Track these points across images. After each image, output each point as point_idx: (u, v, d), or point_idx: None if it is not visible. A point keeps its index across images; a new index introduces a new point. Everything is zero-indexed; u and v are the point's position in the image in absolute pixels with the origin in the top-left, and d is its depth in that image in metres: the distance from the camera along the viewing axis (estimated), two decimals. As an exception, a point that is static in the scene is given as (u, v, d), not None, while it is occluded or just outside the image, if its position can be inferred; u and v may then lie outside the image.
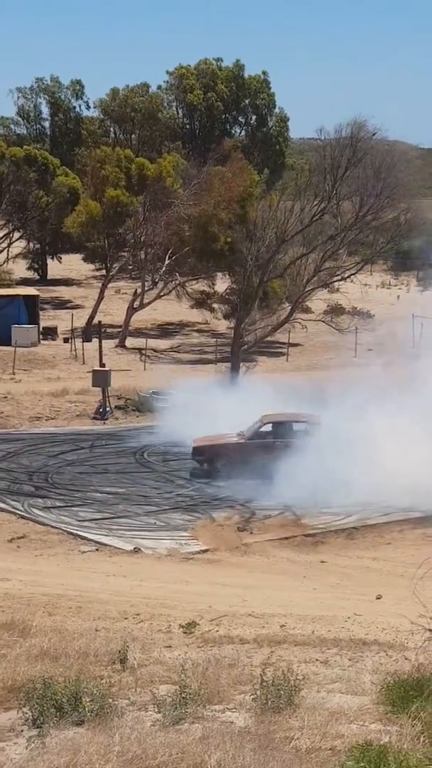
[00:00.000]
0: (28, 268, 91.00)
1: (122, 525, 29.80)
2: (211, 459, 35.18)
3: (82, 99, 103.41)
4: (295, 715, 12.23)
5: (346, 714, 12.44)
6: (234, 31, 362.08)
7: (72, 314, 70.11)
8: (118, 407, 45.57)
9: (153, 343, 65.36)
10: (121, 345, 64.04)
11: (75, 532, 29.01)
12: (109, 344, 58.91)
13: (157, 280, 68.14)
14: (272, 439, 34.59)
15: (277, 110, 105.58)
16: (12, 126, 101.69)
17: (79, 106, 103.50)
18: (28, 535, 28.76)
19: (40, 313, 67.62)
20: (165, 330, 73.36)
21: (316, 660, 15.93)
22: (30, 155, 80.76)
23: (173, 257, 65.70)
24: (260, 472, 32.87)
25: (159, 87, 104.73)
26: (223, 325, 68.19)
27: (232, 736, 11.35)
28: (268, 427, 35.13)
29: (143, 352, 61.42)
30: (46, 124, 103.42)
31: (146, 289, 67.45)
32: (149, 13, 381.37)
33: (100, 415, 44.34)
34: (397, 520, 30.08)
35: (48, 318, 71.14)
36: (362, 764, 10.13)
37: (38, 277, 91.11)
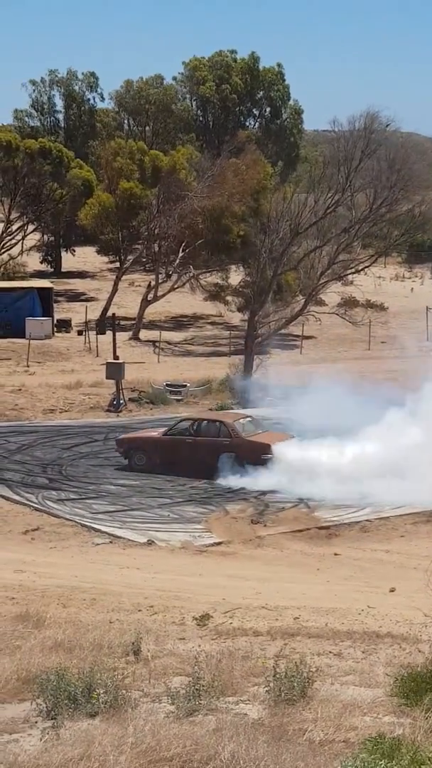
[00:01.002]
0: (42, 261, 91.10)
1: (136, 517, 29.81)
2: (128, 452, 35.44)
3: (96, 91, 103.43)
4: (308, 707, 12.25)
5: (360, 706, 12.46)
6: (248, 23, 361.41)
7: (86, 307, 70.19)
8: (131, 400, 45.61)
9: (167, 335, 65.38)
10: (135, 337, 64.09)
11: (89, 524, 29.03)
12: (122, 337, 58.95)
13: (170, 272, 68.16)
14: (188, 437, 34.64)
15: (291, 102, 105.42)
16: (26, 118, 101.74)
17: (93, 99, 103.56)
18: (42, 527, 28.80)
19: (54, 305, 67.73)
20: (179, 322, 73.39)
21: (330, 652, 15.94)
22: (44, 148, 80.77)
23: (187, 250, 65.69)
24: (172, 468, 33.75)
25: (174, 79, 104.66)
26: (236, 318, 68.18)
27: (246, 728, 11.37)
28: (185, 425, 35.32)
29: (157, 344, 61.44)
30: (61, 116, 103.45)
31: (160, 281, 67.47)
32: (165, 4, 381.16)
33: (114, 407, 44.38)
34: (411, 513, 30.04)
35: (62, 310, 71.24)
36: (375, 756, 10.14)
37: (52, 269, 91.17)
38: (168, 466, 34.10)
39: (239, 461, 32.80)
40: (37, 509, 30.52)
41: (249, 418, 36.07)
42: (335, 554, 26.84)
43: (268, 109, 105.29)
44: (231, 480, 32.74)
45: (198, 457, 33.39)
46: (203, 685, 12.62)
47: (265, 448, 32.97)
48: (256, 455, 32.82)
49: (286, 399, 40.13)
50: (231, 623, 18.71)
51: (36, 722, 12.11)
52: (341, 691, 13.32)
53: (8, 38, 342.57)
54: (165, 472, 34.04)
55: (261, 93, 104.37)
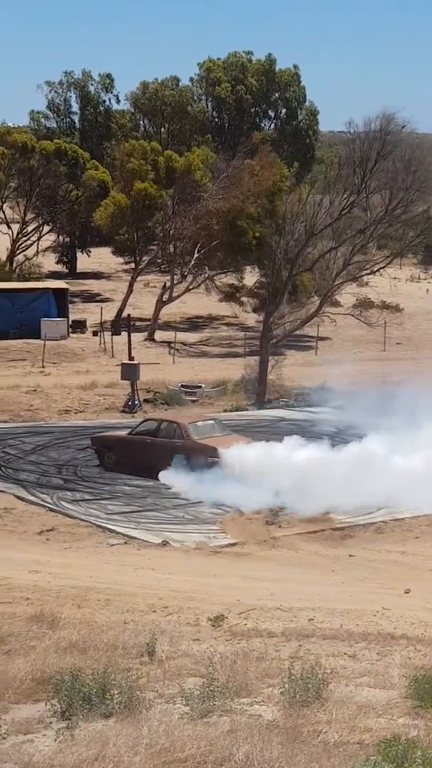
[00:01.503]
0: (58, 262, 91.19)
1: (150, 518, 29.83)
2: (99, 450, 35.95)
3: (111, 92, 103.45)
4: (323, 708, 12.25)
5: (375, 708, 12.46)
6: (265, 24, 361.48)
7: (101, 307, 70.25)
8: (146, 400, 45.62)
9: (182, 336, 65.41)
10: (150, 338, 64.12)
11: (103, 525, 29.06)
12: (138, 337, 58.98)
13: (186, 273, 68.17)
14: (147, 437, 34.72)
15: (307, 104, 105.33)
16: (42, 120, 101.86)
17: (109, 100, 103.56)
18: (57, 527, 28.84)
19: (70, 306, 67.77)
20: (194, 323, 73.41)
21: (345, 654, 15.94)
22: (60, 149, 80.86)
23: (202, 251, 65.69)
24: (135, 468, 34.01)
25: (191, 80, 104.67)
26: (251, 319, 68.17)
27: (260, 730, 11.38)
28: (146, 426, 35.48)
29: (172, 345, 61.48)
30: (76, 117, 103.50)
31: (175, 282, 67.49)
32: (181, 6, 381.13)
33: (129, 408, 44.41)
34: (426, 514, 29.98)
35: (77, 311, 71.29)
36: (390, 758, 10.13)
37: (67, 270, 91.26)
38: (131, 466, 34.32)
39: (189, 463, 32.88)
40: (52, 510, 30.56)
41: (212, 421, 36.02)
42: (350, 555, 26.82)
43: (283, 111, 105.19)
44: (173, 481, 32.90)
45: (155, 458, 33.48)
46: (218, 686, 12.63)
47: (212, 452, 32.86)
48: (204, 458, 32.76)
49: (354, 402, 39.92)
50: (245, 624, 18.71)
51: (50, 723, 12.13)
52: (356, 692, 13.31)
53: (24, 40, 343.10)
54: (129, 472, 34.29)
55: (277, 94, 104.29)
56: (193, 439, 33.69)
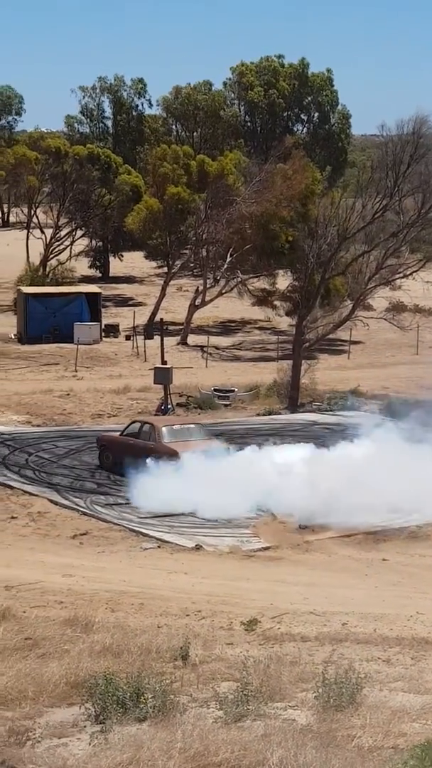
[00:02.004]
0: (91, 266, 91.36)
1: (184, 522, 29.83)
2: (101, 450, 36.54)
3: (144, 97, 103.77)
4: (357, 713, 12.23)
5: (409, 713, 12.43)
6: (297, 28, 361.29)
7: (134, 311, 70.36)
8: (179, 404, 45.65)
9: (215, 340, 65.43)
10: (183, 342, 64.15)
11: (137, 529, 29.09)
12: (170, 341, 59.03)
13: (218, 277, 68.18)
14: (131, 438, 35.19)
15: (339, 107, 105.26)
16: (75, 125, 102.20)
17: (142, 105, 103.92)
18: (90, 531, 28.89)
19: (102, 310, 67.89)
20: (227, 327, 73.41)
21: (378, 658, 15.90)
22: (93, 154, 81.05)
23: (235, 255, 65.69)
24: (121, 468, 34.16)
25: (224, 84, 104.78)
26: (284, 323, 68.08)
27: (294, 734, 11.36)
28: (132, 427, 35.98)
29: (205, 349, 61.50)
30: (109, 122, 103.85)
31: (208, 286, 67.51)
32: (214, 10, 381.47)
33: (162, 412, 44.40)
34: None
35: (110, 315, 71.41)
36: (425, 763, 10.11)
37: (100, 274, 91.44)
38: (121, 465, 34.44)
39: (158, 465, 32.99)
40: (85, 514, 30.62)
41: (192, 426, 36.33)
42: (383, 560, 26.75)
43: (316, 114, 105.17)
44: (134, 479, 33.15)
45: (134, 458, 33.59)
46: (251, 691, 12.62)
47: (173, 455, 33.03)
48: (167, 461, 32.86)
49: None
50: (279, 628, 18.70)
51: (85, 726, 12.15)
52: (390, 697, 13.28)
53: (59, 45, 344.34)
54: (118, 472, 34.58)
55: (309, 98, 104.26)
56: (163, 442, 34.10)
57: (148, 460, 33.00)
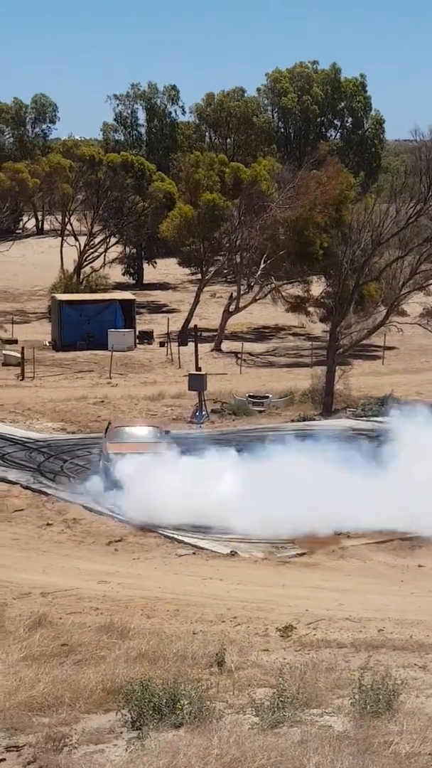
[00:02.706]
0: (124, 273, 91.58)
1: (219, 528, 29.80)
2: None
3: (177, 104, 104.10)
4: (394, 719, 12.19)
5: (446, 719, 12.37)
6: (330, 33, 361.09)
7: (168, 318, 70.42)
8: (214, 411, 45.66)
9: (249, 346, 65.40)
10: (217, 349, 64.16)
11: (172, 535, 29.10)
12: (204, 348, 59.05)
13: (252, 283, 68.17)
14: (102, 440, 36.03)
15: (372, 113, 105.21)
16: (109, 132, 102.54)
17: (175, 112, 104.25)
18: (125, 538, 28.94)
19: (137, 317, 68.02)
20: (261, 333, 73.37)
21: (415, 665, 15.85)
22: (127, 161, 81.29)
23: (268, 261, 65.69)
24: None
25: (257, 90, 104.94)
26: (318, 329, 67.98)
27: (331, 741, 11.34)
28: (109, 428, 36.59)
29: (239, 355, 61.49)
30: (143, 129, 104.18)
31: (242, 292, 67.52)
32: (246, 17, 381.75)
33: (197, 419, 44.45)
34: None
35: (144, 322, 71.53)
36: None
37: (134, 281, 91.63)
38: None
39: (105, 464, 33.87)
40: (120, 521, 30.65)
41: (148, 428, 36.59)
42: (419, 566, 26.67)
43: (349, 120, 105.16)
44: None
45: (99, 457, 34.80)
46: (288, 697, 12.60)
47: (107, 456, 33.66)
48: (105, 461, 33.79)
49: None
50: (315, 635, 18.67)
51: (121, 732, 12.16)
52: (427, 703, 13.24)
53: (93, 53, 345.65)
54: None
55: (342, 104, 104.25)
56: (106, 442, 34.73)
57: (101, 459, 34.31)
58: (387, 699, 12.58)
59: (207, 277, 71.55)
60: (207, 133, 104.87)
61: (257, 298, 67.58)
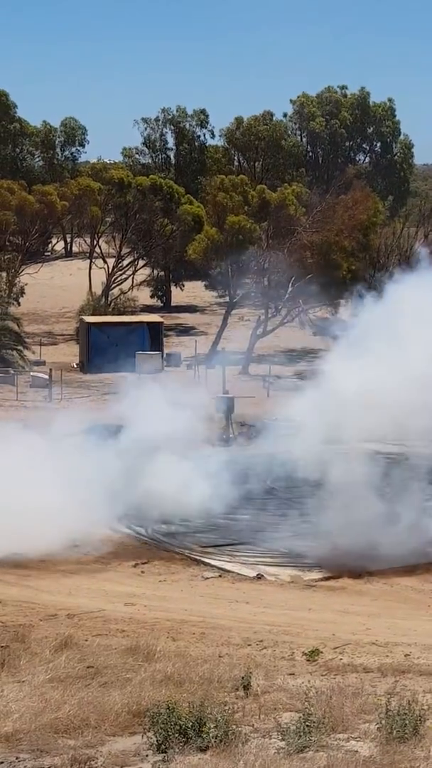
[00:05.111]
0: (152, 296, 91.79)
1: (245, 551, 29.76)
2: None
3: (206, 128, 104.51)
4: (420, 745, 12.13)
5: (473, 745, 12.30)
6: (358, 57, 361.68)
7: (195, 341, 70.50)
8: (241, 434, 45.62)
9: (276, 369, 65.36)
10: (245, 372, 64.15)
11: (198, 557, 29.08)
12: (232, 370, 59.04)
13: (280, 307, 68.21)
14: None
15: (401, 137, 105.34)
16: (136, 156, 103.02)
17: (204, 135, 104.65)
18: (151, 560, 28.92)
19: (164, 339, 68.15)
20: (288, 356, 73.31)
21: (442, 690, 15.76)
22: (155, 184, 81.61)
23: (296, 284, 65.73)
24: None
25: (284, 115, 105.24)
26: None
27: (357, 765, 11.30)
28: None
29: (266, 378, 61.43)
30: (171, 153, 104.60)
31: (269, 316, 67.54)
32: (276, 42, 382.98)
33: (224, 441, 44.42)
34: None
35: (171, 345, 71.63)
36: None
37: (162, 304, 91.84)
38: None
39: None
40: (146, 542, 30.64)
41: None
42: (447, 591, 26.54)
43: (378, 144, 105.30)
44: None
45: None
46: (314, 722, 12.56)
47: None
48: None
49: None
50: (341, 659, 18.60)
51: (147, 756, 12.14)
52: (453, 729, 13.15)
53: (121, 77, 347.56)
54: None
55: (371, 128, 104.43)
56: None
57: None
58: (413, 724, 12.52)
59: (234, 300, 71.63)
60: (236, 157, 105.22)
61: (285, 321, 67.61)
